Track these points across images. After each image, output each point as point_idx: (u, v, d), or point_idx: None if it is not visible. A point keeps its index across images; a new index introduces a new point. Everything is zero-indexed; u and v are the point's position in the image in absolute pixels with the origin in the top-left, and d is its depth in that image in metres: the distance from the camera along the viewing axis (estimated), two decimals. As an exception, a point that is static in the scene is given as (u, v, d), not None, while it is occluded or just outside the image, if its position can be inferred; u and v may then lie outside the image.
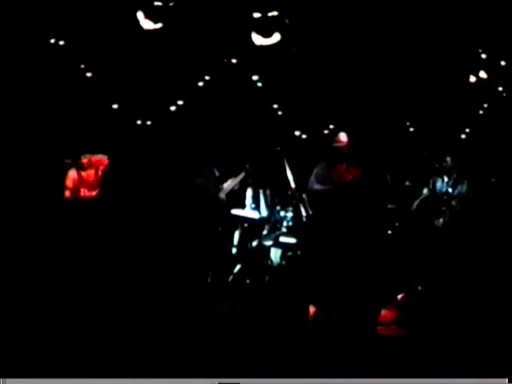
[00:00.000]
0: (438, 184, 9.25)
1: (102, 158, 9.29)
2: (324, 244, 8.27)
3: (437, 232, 8.93)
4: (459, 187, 9.17)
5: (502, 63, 9.91)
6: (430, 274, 8.38)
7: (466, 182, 9.15)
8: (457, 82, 10.06)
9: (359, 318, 7.25)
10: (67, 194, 9.08)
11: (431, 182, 9.24)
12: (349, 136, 8.76)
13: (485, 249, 8.42)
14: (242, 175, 9.28)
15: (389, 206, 8.85)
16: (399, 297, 8.28)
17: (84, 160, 9.14)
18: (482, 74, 9.95)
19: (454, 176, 9.20)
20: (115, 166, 9.33)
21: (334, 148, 8.80)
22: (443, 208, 9.03)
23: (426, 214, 9.04)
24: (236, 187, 9.30)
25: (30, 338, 6.10)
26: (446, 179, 9.23)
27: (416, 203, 9.13)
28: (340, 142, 8.80)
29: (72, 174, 9.12)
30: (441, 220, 9.02)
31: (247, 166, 9.31)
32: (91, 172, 9.16)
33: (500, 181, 9.39)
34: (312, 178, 8.78)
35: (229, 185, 9.24)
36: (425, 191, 9.25)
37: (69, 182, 9.11)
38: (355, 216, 8.29)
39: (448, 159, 9.33)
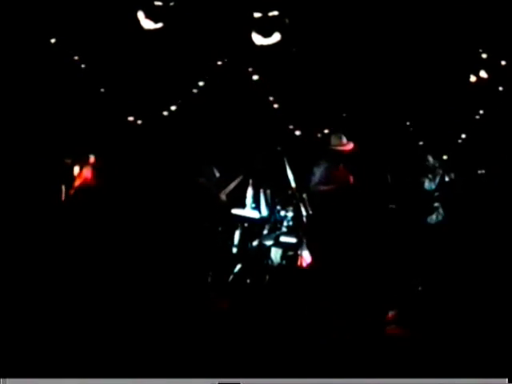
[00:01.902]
0: (426, 183, 9.26)
1: None
2: (327, 244, 8.28)
3: (433, 230, 8.92)
4: (447, 184, 9.19)
5: (502, 63, 9.92)
6: (429, 274, 8.37)
7: (447, 178, 9.18)
8: (457, 82, 10.06)
9: (363, 319, 7.26)
10: (72, 192, 9.08)
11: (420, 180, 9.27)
12: (348, 138, 8.79)
13: (483, 247, 8.42)
14: (241, 177, 9.29)
15: (389, 206, 8.85)
16: (398, 297, 8.28)
17: None
18: (482, 74, 9.96)
19: (441, 173, 9.22)
20: (116, 167, 9.36)
21: (336, 151, 8.78)
22: (435, 205, 9.02)
23: (419, 212, 9.04)
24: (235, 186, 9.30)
25: (30, 338, 6.10)
26: (431, 177, 9.24)
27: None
28: (344, 145, 8.78)
29: (86, 172, 9.15)
30: (433, 217, 9.01)
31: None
32: None
33: (499, 179, 9.39)
34: (315, 179, 8.73)
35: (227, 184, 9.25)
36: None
37: (78, 181, 9.11)
38: (358, 217, 8.30)
39: (430, 158, 9.36)
